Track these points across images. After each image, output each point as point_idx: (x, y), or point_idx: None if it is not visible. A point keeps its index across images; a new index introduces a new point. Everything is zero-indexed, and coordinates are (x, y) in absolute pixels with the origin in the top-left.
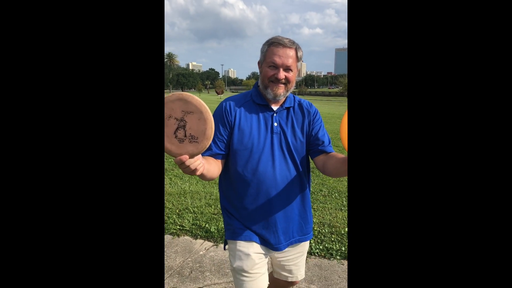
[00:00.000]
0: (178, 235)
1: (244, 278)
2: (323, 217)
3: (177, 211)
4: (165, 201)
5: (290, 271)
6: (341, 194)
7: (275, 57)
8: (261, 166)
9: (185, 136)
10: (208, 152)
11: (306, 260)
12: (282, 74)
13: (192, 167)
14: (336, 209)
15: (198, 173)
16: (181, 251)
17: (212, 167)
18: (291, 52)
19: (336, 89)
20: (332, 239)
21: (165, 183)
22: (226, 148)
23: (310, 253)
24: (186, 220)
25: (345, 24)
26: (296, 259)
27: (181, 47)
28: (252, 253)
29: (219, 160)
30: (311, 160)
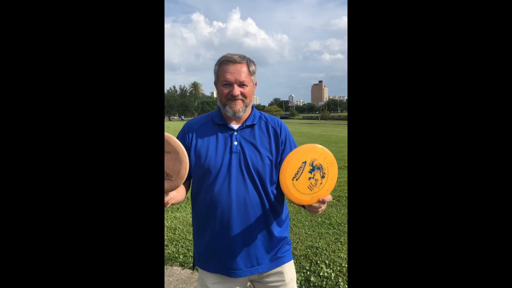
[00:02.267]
0: (198, 270)
1: None
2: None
3: None
4: (185, 233)
5: None
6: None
7: (227, 75)
8: (217, 187)
9: None
10: None
11: None
12: (237, 90)
13: (165, 200)
14: None
15: (167, 205)
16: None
17: (180, 193)
18: (243, 68)
19: None
20: None
21: (186, 213)
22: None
23: None
24: None
25: None
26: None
27: (206, 76)
28: (208, 284)
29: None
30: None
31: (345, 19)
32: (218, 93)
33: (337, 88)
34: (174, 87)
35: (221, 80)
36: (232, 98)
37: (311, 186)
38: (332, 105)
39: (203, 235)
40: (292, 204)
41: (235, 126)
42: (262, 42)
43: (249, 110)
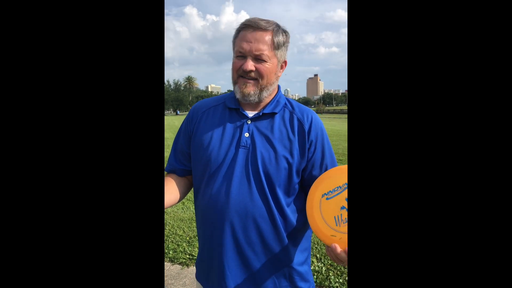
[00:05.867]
0: (188, 265)
1: None
2: None
3: (188, 238)
4: (175, 228)
5: None
6: None
7: (242, 43)
8: (214, 189)
9: None
10: (168, 167)
11: None
12: (249, 64)
13: None
14: None
15: None
16: (189, 284)
17: (169, 194)
18: (266, 36)
19: None
20: None
21: (177, 208)
22: (188, 162)
23: (329, 287)
24: (197, 249)
25: None
26: None
27: (200, 70)
28: None
29: (184, 177)
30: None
31: (340, 12)
32: (232, 67)
33: (332, 81)
34: (168, 81)
35: (236, 50)
36: (244, 74)
37: (339, 219)
38: (328, 98)
39: (200, 243)
40: None
41: (250, 113)
42: None
43: (271, 94)
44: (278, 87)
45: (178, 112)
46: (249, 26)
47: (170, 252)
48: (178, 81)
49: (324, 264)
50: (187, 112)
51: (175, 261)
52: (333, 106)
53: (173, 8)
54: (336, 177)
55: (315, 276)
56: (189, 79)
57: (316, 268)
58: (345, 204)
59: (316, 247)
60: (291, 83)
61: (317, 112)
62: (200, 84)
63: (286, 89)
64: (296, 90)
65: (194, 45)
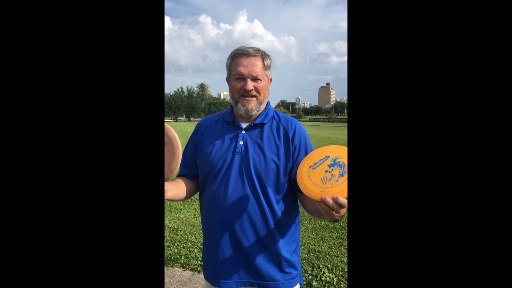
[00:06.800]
0: (199, 271)
1: None
2: None
3: (199, 244)
4: (187, 234)
5: None
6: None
7: (239, 68)
8: (215, 189)
9: None
10: (179, 172)
11: None
12: (250, 85)
13: None
14: None
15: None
16: None
17: (179, 190)
18: (257, 61)
19: None
20: None
21: (189, 214)
22: (195, 168)
23: None
24: None
25: None
26: None
27: (213, 77)
28: None
29: (192, 180)
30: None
31: None
32: (230, 88)
33: (344, 90)
34: (181, 88)
35: (233, 74)
36: (245, 93)
37: (325, 179)
38: (339, 107)
39: (204, 239)
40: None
41: (244, 124)
42: (269, 44)
43: (263, 107)
44: (268, 102)
45: (192, 119)
46: (242, 54)
47: (182, 258)
48: (191, 88)
49: (335, 276)
50: (199, 119)
51: (187, 267)
52: (344, 115)
53: (188, 16)
54: (318, 154)
55: (326, 287)
56: (202, 86)
57: (328, 279)
58: (328, 169)
59: (327, 257)
60: (303, 91)
61: (328, 121)
62: (212, 91)
63: (298, 97)
64: (307, 98)
65: (207, 53)
